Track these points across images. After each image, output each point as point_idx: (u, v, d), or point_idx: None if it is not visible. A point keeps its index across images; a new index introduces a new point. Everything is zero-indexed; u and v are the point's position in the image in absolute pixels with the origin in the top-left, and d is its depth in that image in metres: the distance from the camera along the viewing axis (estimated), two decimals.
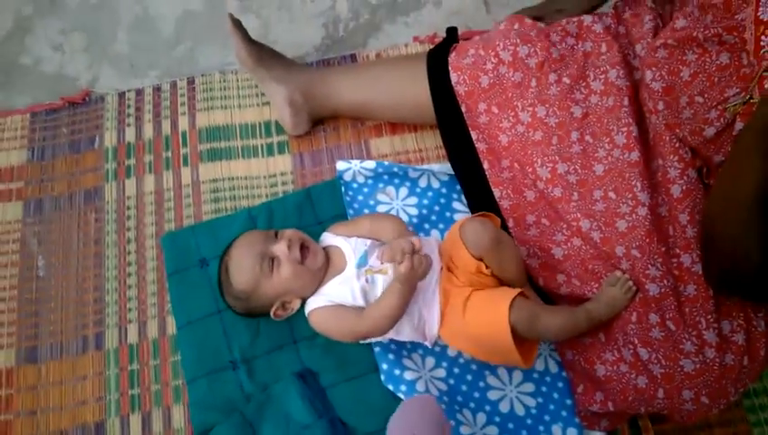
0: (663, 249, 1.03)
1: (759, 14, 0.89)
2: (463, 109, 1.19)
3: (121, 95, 1.42)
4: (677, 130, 1.07)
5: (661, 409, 1.01)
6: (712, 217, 0.95)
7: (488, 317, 1.01)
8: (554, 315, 1.03)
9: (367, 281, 1.08)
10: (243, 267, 1.07)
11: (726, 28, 0.96)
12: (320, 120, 1.37)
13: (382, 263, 1.06)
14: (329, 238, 1.16)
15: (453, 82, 1.18)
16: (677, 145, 1.07)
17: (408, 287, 1.03)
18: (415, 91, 1.22)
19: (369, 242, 1.13)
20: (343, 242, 1.13)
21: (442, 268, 1.10)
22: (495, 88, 1.16)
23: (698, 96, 1.01)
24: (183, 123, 1.39)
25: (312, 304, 1.10)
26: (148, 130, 1.39)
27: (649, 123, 1.10)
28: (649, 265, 1.02)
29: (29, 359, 1.21)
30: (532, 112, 1.13)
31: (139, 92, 1.43)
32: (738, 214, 0.88)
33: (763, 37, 0.89)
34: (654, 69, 1.06)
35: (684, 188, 1.06)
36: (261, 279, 1.07)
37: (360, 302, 1.07)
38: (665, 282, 1.01)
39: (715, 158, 1.05)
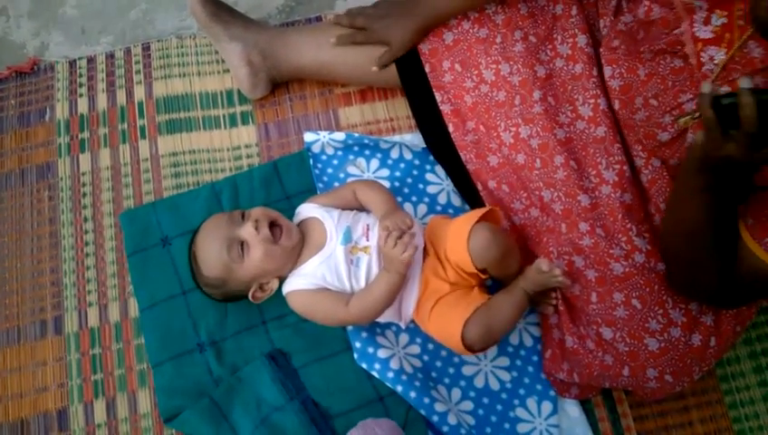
0: (630, 229, 1.00)
1: (694, 30, 0.87)
2: (427, 69, 1.15)
3: (72, 63, 1.33)
4: (631, 134, 1.04)
5: (626, 386, 1.01)
6: (666, 243, 0.96)
7: (445, 332, 1.00)
8: (503, 316, 1.00)
9: (352, 262, 1.03)
10: (210, 256, 1.02)
11: (669, 43, 0.93)
12: (285, 87, 1.30)
13: (368, 240, 1.02)
14: (307, 210, 1.10)
15: None
16: (636, 138, 1.04)
17: (401, 278, 1.00)
18: (378, 52, 1.17)
19: (352, 215, 1.08)
20: (324, 214, 1.08)
21: (426, 253, 1.06)
22: (460, 45, 1.12)
23: (653, 99, 0.97)
24: (139, 93, 1.31)
25: (292, 284, 1.05)
26: (102, 101, 1.31)
27: None
28: (614, 245, 1.00)
29: None
30: (496, 70, 1.09)
31: (91, 60, 1.34)
32: (689, 246, 0.88)
33: (701, 54, 0.87)
34: (614, 66, 1.02)
35: (649, 177, 1.04)
36: (231, 265, 1.02)
37: (345, 284, 1.04)
38: (629, 261, 0.99)
39: (670, 160, 1.02)
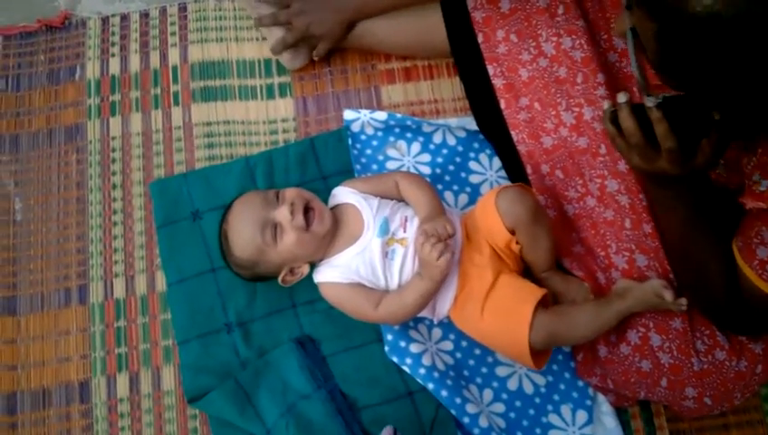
0: None
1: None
2: (480, 39, 1.08)
3: (105, 20, 1.27)
4: None
5: (662, 398, 0.96)
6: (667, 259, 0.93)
7: (507, 327, 0.94)
8: (576, 326, 0.94)
9: (387, 255, 0.99)
10: (243, 237, 0.98)
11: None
12: (325, 60, 1.23)
13: (405, 231, 0.98)
14: (344, 194, 1.05)
15: (469, 7, 1.07)
16: None
17: (435, 286, 0.95)
18: (422, 19, 1.11)
19: (391, 205, 1.03)
20: (362, 202, 1.03)
21: (463, 244, 1.01)
22: (517, 13, 1.05)
23: None
24: (173, 56, 1.25)
25: (326, 275, 1.01)
26: (135, 63, 1.25)
27: None
28: None
29: (8, 310, 1.13)
30: (557, 44, 1.03)
31: (125, 18, 1.28)
32: (680, 262, 0.88)
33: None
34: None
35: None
36: (264, 248, 0.98)
37: (380, 277, 0.99)
38: None
39: None
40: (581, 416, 1.04)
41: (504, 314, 0.95)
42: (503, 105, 1.08)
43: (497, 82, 1.08)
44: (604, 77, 1.01)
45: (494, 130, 1.11)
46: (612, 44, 1.03)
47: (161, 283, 1.13)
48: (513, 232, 0.95)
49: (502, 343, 0.97)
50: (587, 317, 0.95)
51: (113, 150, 1.20)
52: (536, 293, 0.95)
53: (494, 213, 0.95)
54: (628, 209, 0.99)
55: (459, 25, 1.09)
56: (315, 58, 1.19)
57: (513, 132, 1.07)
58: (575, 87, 1.02)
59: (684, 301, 0.91)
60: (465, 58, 1.11)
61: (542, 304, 0.95)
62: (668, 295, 0.91)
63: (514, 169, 1.10)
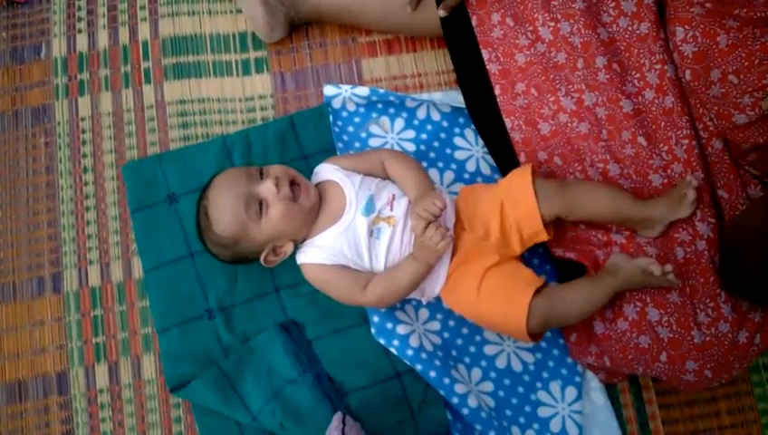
0: (694, 213, 0.93)
1: None
2: (474, 22, 1.04)
3: None
4: (700, 109, 0.94)
5: (660, 373, 0.95)
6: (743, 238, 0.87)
7: (504, 310, 0.92)
8: (571, 308, 0.92)
9: (372, 234, 0.96)
10: (226, 212, 0.93)
11: None
12: (303, 32, 1.19)
13: (392, 210, 0.94)
14: (327, 171, 1.02)
15: None
16: (702, 111, 0.95)
17: (428, 269, 0.93)
18: None
19: (376, 182, 1.00)
20: (344, 178, 0.99)
21: (460, 227, 0.98)
22: None
23: (732, 75, 0.87)
24: (143, 31, 1.19)
25: (309, 256, 0.98)
26: (103, 39, 1.19)
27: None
28: (679, 230, 0.92)
29: None
30: (554, 29, 0.99)
31: None
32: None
33: None
34: (687, 27, 0.90)
35: (708, 160, 0.96)
36: (248, 224, 0.94)
37: (365, 258, 0.96)
38: (692, 248, 0.93)
39: (742, 145, 0.93)
40: (571, 392, 1.03)
41: (501, 295, 0.92)
42: (497, 91, 1.04)
43: (492, 68, 1.04)
44: (604, 61, 0.98)
45: (482, 116, 1.08)
46: (621, 10, 0.98)
47: (138, 269, 1.09)
48: (548, 224, 0.93)
49: (496, 324, 0.96)
50: (581, 297, 0.93)
51: (83, 132, 1.15)
52: (535, 280, 0.93)
53: (531, 201, 0.91)
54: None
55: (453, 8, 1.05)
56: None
57: (507, 119, 1.04)
58: (575, 73, 0.99)
59: (670, 267, 0.88)
60: (458, 41, 1.07)
61: (538, 291, 0.93)
62: (657, 270, 0.89)
63: (502, 155, 1.06)
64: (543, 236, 0.94)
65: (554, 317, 0.92)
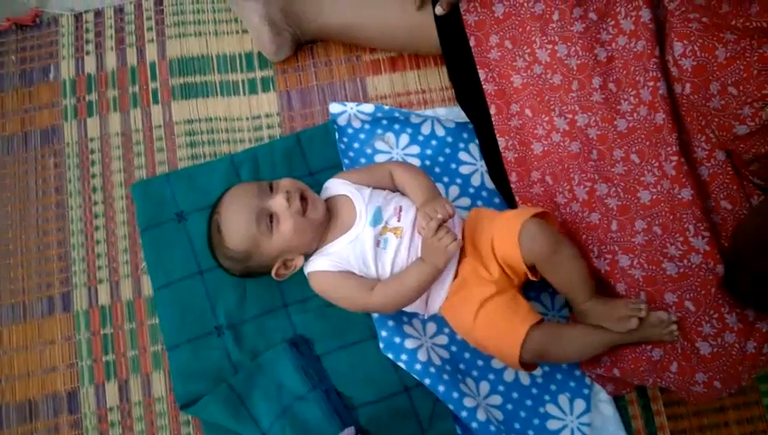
0: (687, 229, 0.93)
1: None
2: (472, 42, 1.06)
3: (78, 17, 1.23)
4: (702, 122, 0.95)
5: (670, 383, 0.96)
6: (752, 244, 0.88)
7: (498, 342, 0.93)
8: (567, 349, 0.94)
9: (379, 244, 0.97)
10: (238, 227, 0.95)
11: None
12: (308, 52, 1.21)
13: (399, 220, 0.95)
14: (336, 186, 1.03)
15: (462, 10, 1.05)
16: (704, 123, 0.96)
17: (437, 272, 0.93)
18: (413, 17, 1.07)
19: (384, 194, 1.01)
20: (354, 192, 1.01)
21: (464, 250, 0.99)
22: (511, 19, 1.03)
23: (732, 87, 0.88)
24: (151, 52, 1.21)
25: (316, 264, 0.99)
26: (111, 60, 1.21)
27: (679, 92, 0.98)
28: (669, 245, 0.93)
29: None
30: (552, 51, 1.00)
31: (99, 14, 1.23)
32: None
33: None
34: (685, 42, 0.91)
35: (710, 171, 0.97)
36: (259, 238, 0.95)
37: (372, 268, 0.97)
38: (684, 262, 0.93)
39: (743, 155, 0.94)
40: (579, 405, 1.03)
41: (496, 328, 0.94)
42: (493, 111, 1.06)
43: (488, 88, 1.06)
44: (600, 81, 0.99)
45: (481, 134, 1.09)
46: (620, 29, 0.99)
47: (147, 287, 1.10)
48: (531, 266, 0.93)
49: (491, 351, 0.97)
50: (579, 343, 0.95)
51: (92, 152, 1.16)
52: (530, 317, 0.94)
53: (514, 245, 0.91)
54: (616, 211, 0.98)
55: (451, 27, 1.06)
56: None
57: (501, 139, 1.05)
58: (569, 94, 1.00)
59: (674, 325, 0.92)
60: (456, 60, 1.08)
61: (538, 324, 0.94)
62: (663, 315, 0.92)
63: (498, 174, 1.08)
64: (531, 277, 0.95)
65: (548, 355, 0.94)
